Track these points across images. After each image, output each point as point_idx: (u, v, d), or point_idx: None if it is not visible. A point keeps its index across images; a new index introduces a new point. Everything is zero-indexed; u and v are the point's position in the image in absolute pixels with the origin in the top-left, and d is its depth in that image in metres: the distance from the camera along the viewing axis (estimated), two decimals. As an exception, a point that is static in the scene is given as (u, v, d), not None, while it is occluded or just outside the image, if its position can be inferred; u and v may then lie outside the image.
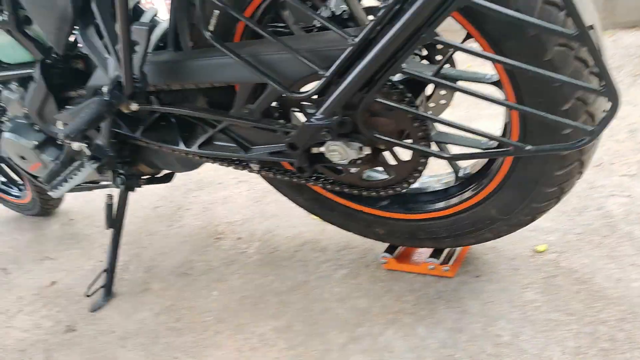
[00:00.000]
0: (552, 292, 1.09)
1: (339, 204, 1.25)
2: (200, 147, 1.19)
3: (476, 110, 1.97)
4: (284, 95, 0.96)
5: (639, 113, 1.76)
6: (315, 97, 0.90)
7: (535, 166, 0.94)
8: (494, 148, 0.97)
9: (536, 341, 0.98)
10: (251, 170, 1.20)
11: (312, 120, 0.90)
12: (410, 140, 0.94)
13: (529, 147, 0.84)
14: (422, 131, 0.92)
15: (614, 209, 1.30)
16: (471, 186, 1.08)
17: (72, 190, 1.56)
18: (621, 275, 1.08)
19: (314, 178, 1.12)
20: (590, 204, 1.35)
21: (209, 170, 2.34)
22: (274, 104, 1.04)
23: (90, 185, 1.52)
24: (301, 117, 1.12)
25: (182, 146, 1.21)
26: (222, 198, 2.00)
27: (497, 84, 0.96)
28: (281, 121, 1.03)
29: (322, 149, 0.99)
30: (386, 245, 1.36)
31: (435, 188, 1.15)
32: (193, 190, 2.15)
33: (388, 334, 1.10)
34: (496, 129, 1.02)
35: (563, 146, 0.82)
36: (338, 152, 0.96)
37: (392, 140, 0.92)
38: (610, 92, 0.73)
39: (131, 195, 2.12)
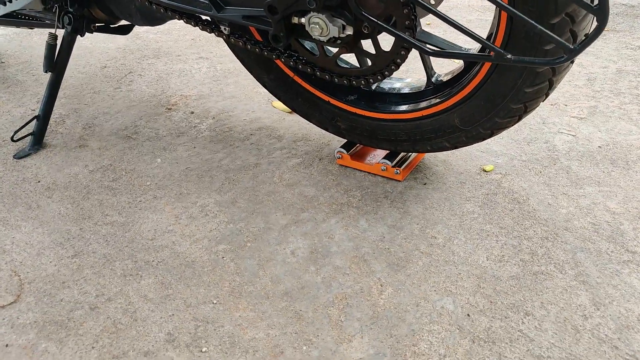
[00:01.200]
0: (489, 207, 1.14)
1: (306, 91, 1.22)
2: (167, -3, 1.08)
3: (455, 33, 1.93)
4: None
5: (600, 64, 1.81)
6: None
7: (508, 80, 0.94)
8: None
9: (466, 246, 1.04)
10: (219, 34, 1.12)
11: (300, -18, 0.83)
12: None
13: (510, 56, 0.83)
14: (410, 20, 0.88)
15: (559, 144, 1.36)
16: (440, 92, 1.07)
17: (8, 22, 1.41)
18: (552, 202, 1.15)
19: (286, 54, 1.07)
20: (539, 136, 1.40)
21: (169, 40, 2.19)
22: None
23: (31, 21, 1.37)
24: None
25: (147, -7, 1.10)
26: (178, 70, 1.89)
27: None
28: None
29: (302, 20, 0.93)
30: (342, 142, 1.36)
31: (405, 90, 1.14)
32: (148, 57, 2.01)
33: (331, 222, 1.12)
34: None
35: (543, 61, 0.82)
36: (319, 26, 0.91)
37: (380, 23, 0.87)
38: (602, 12, 0.73)
39: (78, 50, 1.98)
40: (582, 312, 0.88)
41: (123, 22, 1.37)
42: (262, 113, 1.58)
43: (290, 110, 1.57)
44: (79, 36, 1.33)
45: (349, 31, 0.92)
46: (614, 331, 0.84)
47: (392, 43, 0.95)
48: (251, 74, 1.28)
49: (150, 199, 1.21)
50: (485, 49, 0.92)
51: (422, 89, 1.13)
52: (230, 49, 1.26)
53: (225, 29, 1.08)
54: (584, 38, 0.76)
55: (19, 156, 1.37)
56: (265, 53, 1.09)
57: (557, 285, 0.94)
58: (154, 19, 1.25)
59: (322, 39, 0.93)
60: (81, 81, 1.83)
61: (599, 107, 1.53)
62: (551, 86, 0.93)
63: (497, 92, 0.97)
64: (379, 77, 1.01)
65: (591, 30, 0.74)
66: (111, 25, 1.37)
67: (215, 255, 1.04)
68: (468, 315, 0.89)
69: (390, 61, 0.97)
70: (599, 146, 1.34)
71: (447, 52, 0.90)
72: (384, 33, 0.92)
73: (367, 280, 0.97)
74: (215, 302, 0.94)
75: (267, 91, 1.30)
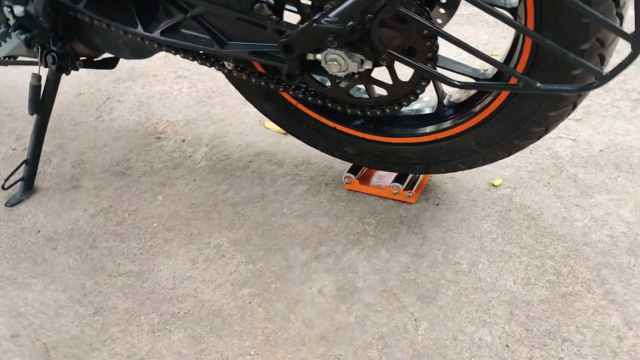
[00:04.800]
0: (506, 226, 1.14)
1: (310, 118, 1.18)
2: (163, 33, 1.02)
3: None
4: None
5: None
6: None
7: (532, 104, 0.93)
8: (493, 80, 0.95)
9: (491, 271, 1.04)
10: (220, 69, 1.07)
11: (322, 21, 0.79)
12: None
13: (539, 85, 0.82)
14: (433, 52, 0.86)
15: (561, 150, 1.37)
16: (455, 115, 1.06)
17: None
18: (567, 215, 1.16)
19: (294, 86, 1.03)
20: (540, 143, 1.41)
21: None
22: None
23: (12, 60, 1.28)
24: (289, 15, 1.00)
25: (140, 29, 1.04)
26: (159, 93, 1.81)
27: (513, 11, 0.91)
28: (274, 17, 0.90)
29: (318, 56, 0.89)
30: (345, 164, 1.33)
31: (417, 113, 1.12)
32: (123, 79, 1.92)
33: (351, 254, 1.10)
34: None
35: (574, 88, 0.82)
36: (338, 62, 0.87)
37: (403, 57, 0.85)
38: (639, 39, 0.72)
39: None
40: (617, 333, 0.89)
41: (107, 55, 1.29)
42: (256, 136, 1.53)
43: (284, 132, 1.53)
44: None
45: (368, 65, 0.90)
46: (652, 351, 0.85)
47: (412, 73, 0.93)
48: (251, 103, 1.24)
49: (161, 243, 1.16)
50: (504, 73, 0.91)
51: (434, 111, 1.11)
52: (228, 79, 1.21)
53: (229, 64, 1.03)
54: (617, 65, 0.76)
55: (11, 204, 1.29)
56: (272, 86, 1.05)
57: (588, 306, 0.95)
58: (144, 53, 1.19)
59: (340, 74, 0.90)
60: (58, 112, 1.73)
61: (592, 106, 1.56)
62: (574, 108, 0.93)
63: (518, 115, 0.96)
64: (395, 107, 0.99)
65: (626, 57, 0.74)
66: (95, 59, 1.29)
67: (242, 300, 1.00)
68: (507, 346, 0.89)
69: (409, 91, 0.95)
70: (601, 150, 1.36)
71: (475, 84, 0.88)
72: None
73: (400, 316, 0.96)
74: (252, 353, 0.90)
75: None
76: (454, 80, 0.86)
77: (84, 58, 1.28)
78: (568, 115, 0.95)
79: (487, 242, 1.11)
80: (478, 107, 1.01)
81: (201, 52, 1.05)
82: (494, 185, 1.27)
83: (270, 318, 0.97)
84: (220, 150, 1.48)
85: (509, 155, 1.06)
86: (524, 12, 0.84)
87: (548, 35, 0.81)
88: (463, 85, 0.86)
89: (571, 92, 0.82)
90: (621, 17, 0.80)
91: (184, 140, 1.53)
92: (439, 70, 0.93)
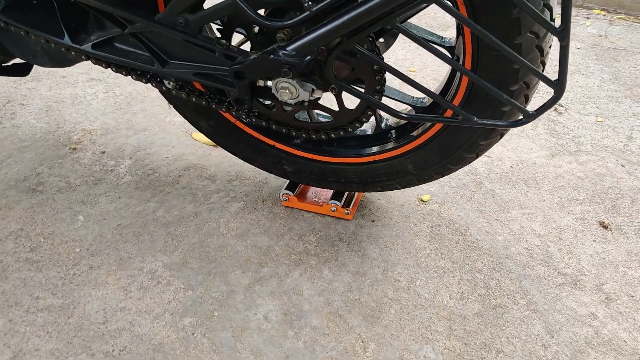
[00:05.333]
0: (437, 241, 1.21)
1: (249, 136, 1.16)
2: (95, 47, 0.94)
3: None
4: (246, 16, 0.81)
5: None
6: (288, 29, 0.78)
7: (466, 134, 0.99)
8: (428, 108, 1.00)
9: (429, 287, 1.10)
10: (157, 86, 1.01)
11: (280, 54, 0.78)
12: (363, 90, 0.90)
13: (476, 119, 0.88)
14: (381, 85, 0.89)
15: (479, 166, 1.49)
16: (393, 138, 1.10)
17: None
18: (489, 230, 1.26)
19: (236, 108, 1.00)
20: (460, 159, 1.51)
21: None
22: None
23: None
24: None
25: (67, 40, 0.95)
26: (70, 97, 1.66)
27: (451, 50, 0.96)
28: (223, 41, 0.87)
29: (269, 83, 0.88)
30: (281, 180, 1.33)
31: (356, 134, 1.14)
32: (26, 79, 1.73)
33: (295, 275, 1.10)
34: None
35: (506, 123, 0.89)
36: (289, 90, 0.87)
37: (355, 89, 0.86)
38: (561, 87, 0.80)
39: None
40: (541, 341, 0.99)
41: (19, 61, 1.16)
42: (184, 148, 1.47)
43: (214, 144, 1.48)
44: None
45: (318, 94, 0.90)
46: (570, 357, 0.96)
47: (359, 103, 0.95)
48: (186, 119, 1.18)
49: (86, 271, 1.07)
50: (437, 105, 0.96)
51: (373, 133, 1.14)
52: (162, 94, 1.14)
53: (169, 83, 0.98)
54: (541, 105, 0.83)
55: None
56: (214, 106, 1.01)
57: (515, 317, 1.04)
58: (67, 62, 1.08)
59: (290, 101, 0.89)
60: (-53, 116, 1.52)
61: (501, 125, 1.70)
62: (502, 137, 1.01)
63: (452, 143, 1.02)
64: (340, 132, 1.00)
65: (549, 100, 0.82)
66: (3, 64, 1.15)
67: (184, 332, 0.96)
68: (448, 360, 0.95)
69: (354, 119, 0.97)
70: (511, 166, 1.49)
71: (419, 116, 0.92)
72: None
73: (348, 338, 0.98)
74: (199, 392, 0.87)
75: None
76: (401, 113, 0.89)
77: (-11, 63, 1.13)
78: (495, 143, 1.03)
79: (422, 257, 1.17)
80: (416, 132, 1.06)
81: (144, 70, 0.98)
82: (423, 201, 1.34)
83: (216, 349, 0.94)
84: (146, 164, 1.39)
85: (442, 177, 1.12)
86: (462, 52, 0.89)
87: (482, 76, 0.87)
88: (409, 118, 0.89)
89: (504, 127, 0.89)
90: (544, 64, 0.89)
91: (103, 152, 1.42)
92: (383, 99, 0.95)
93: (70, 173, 1.33)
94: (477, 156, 1.06)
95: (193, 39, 0.85)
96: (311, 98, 0.90)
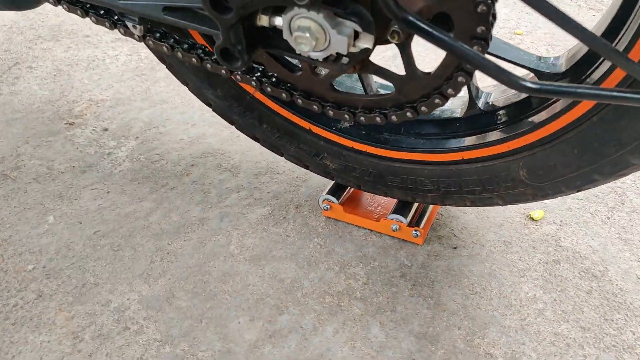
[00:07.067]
0: (556, 289, 0.77)
1: (274, 113, 0.78)
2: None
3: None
4: None
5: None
6: None
7: (636, 122, 0.55)
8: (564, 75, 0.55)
9: (541, 368, 0.67)
10: (126, 33, 0.66)
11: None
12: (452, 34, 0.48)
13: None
14: (485, 24, 0.46)
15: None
16: (499, 126, 0.67)
17: None
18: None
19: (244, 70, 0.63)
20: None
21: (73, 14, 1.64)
22: None
23: None
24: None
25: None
26: (86, 59, 1.37)
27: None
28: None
29: (277, 21, 0.48)
30: (325, 180, 0.94)
31: (438, 116, 0.72)
32: (44, 39, 1.47)
33: (327, 332, 0.72)
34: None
35: None
36: (312, 34, 0.47)
37: (448, 36, 0.44)
38: None
39: None
40: None
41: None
42: (207, 127, 1.12)
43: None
44: None
45: (367, 43, 0.49)
46: None
47: (442, 61, 0.53)
48: (187, 88, 0.83)
49: (31, 300, 0.76)
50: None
51: (463, 115, 0.71)
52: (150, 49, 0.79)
53: (134, 26, 0.62)
54: None
55: None
56: (209, 66, 0.64)
57: None
58: (23, 2, 0.76)
59: (316, 56, 0.49)
60: (-59, 80, 1.29)
61: None
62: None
63: (609, 137, 0.58)
64: (407, 113, 0.59)
65: None
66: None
67: (141, 420, 0.62)
68: None
69: (434, 90, 0.55)
70: (675, 172, 0.99)
71: (568, 87, 0.48)
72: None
73: None
74: None
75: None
76: (526, 80, 0.46)
77: None
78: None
79: (532, 316, 0.74)
80: (538, 118, 0.62)
81: (92, 4, 0.63)
82: (533, 219, 0.89)
83: None
84: (154, 147, 1.06)
85: (576, 192, 0.67)
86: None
87: None
88: (546, 90, 0.46)
89: None
90: None
91: (105, 129, 1.12)
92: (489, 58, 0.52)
93: (57, 155, 1.03)
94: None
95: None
96: (353, 49, 0.49)
